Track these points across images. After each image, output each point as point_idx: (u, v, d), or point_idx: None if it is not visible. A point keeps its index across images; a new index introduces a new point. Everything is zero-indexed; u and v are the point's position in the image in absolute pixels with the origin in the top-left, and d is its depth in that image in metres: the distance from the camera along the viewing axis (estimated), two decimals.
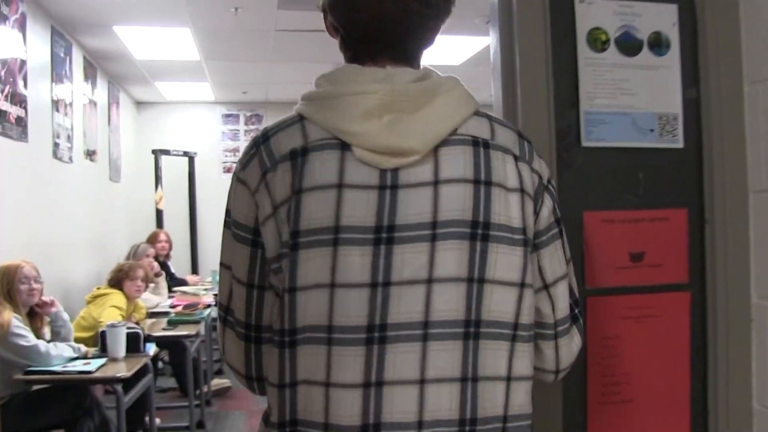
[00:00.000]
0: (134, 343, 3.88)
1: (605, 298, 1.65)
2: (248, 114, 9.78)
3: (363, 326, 1.05)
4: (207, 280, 7.57)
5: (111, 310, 4.55)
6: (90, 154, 6.78)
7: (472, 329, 1.08)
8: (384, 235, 1.06)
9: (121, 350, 3.81)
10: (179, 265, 8.32)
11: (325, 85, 1.13)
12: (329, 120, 1.09)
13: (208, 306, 5.84)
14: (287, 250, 1.07)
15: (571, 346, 1.23)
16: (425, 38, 1.19)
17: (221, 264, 1.20)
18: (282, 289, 1.09)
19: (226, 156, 9.67)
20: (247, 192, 1.13)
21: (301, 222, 1.07)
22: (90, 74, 6.90)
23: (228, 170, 9.31)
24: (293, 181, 1.08)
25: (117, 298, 4.78)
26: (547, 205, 1.17)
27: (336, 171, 1.07)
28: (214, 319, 5.71)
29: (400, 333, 1.06)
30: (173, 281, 7.06)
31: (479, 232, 1.08)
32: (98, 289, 4.98)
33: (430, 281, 1.06)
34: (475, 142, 1.11)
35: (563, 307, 1.20)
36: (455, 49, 7.16)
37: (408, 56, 1.18)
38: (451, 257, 1.07)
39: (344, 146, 1.08)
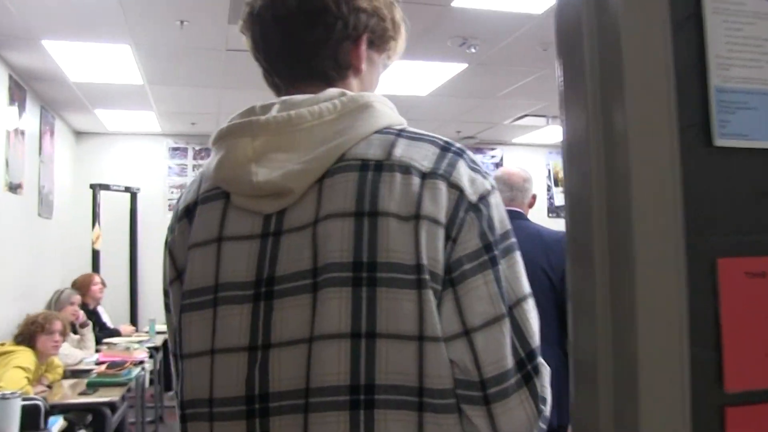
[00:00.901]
0: (32, 419, 3.09)
1: (759, 408, 0.94)
2: (197, 147, 9.08)
3: (242, 397, 0.92)
4: (144, 330, 6.74)
5: (14, 373, 3.76)
6: (14, 188, 5.98)
7: (362, 396, 0.88)
8: (263, 290, 0.94)
9: (12, 428, 3.00)
10: (116, 313, 7.54)
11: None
12: (212, 168, 1.01)
13: (141, 363, 5.02)
14: (176, 309, 1.02)
15: (513, 416, 0.92)
16: (337, 56, 1.07)
17: None
18: (178, 349, 1.02)
19: (173, 192, 8.92)
20: (167, 252, 1.08)
21: (186, 283, 0.99)
22: (17, 97, 6.14)
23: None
24: (180, 238, 1.04)
25: (24, 357, 3.97)
26: (473, 227, 0.94)
27: (218, 224, 0.99)
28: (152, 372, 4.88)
29: (282, 404, 0.91)
30: (103, 332, 6.23)
31: (364, 275, 0.90)
32: (2, 345, 4.14)
33: (311, 340, 0.90)
34: (363, 167, 0.94)
35: (494, 359, 0.91)
36: (423, 77, 6.58)
37: (321, 78, 1.06)
38: (333, 309, 0.90)
39: (227, 195, 1.01)
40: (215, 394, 0.94)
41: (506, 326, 0.93)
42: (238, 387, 0.93)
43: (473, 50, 5.47)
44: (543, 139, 10.00)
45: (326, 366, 0.89)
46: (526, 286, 0.98)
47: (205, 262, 0.98)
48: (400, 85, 6.85)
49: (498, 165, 10.21)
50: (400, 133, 0.99)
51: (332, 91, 1.01)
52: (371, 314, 0.89)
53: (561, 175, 10.55)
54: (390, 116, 1.02)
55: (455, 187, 0.94)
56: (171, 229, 1.08)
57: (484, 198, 0.97)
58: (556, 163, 10.54)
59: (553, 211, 10.30)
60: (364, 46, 1.10)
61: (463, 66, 6.13)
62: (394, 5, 1.14)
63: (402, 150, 0.96)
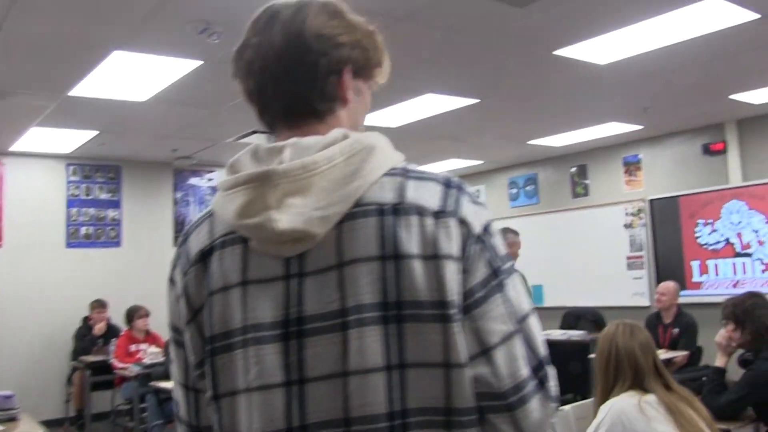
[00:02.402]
0: None
1: None
2: None
3: (282, 430, 1.01)
4: None
5: None
6: None
7: (397, 421, 0.98)
8: (293, 329, 1.02)
9: None
10: None
11: (228, 173, 1.09)
12: (227, 214, 1.06)
13: None
14: (207, 357, 1.07)
15: (533, 418, 1.02)
16: (327, 89, 1.12)
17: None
18: (209, 396, 1.08)
19: None
20: (174, 294, 1.15)
21: (214, 326, 1.06)
22: None
23: None
24: (205, 283, 1.08)
25: None
26: (481, 257, 1.04)
27: (239, 268, 1.05)
28: None
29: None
30: None
31: (391, 313, 0.99)
32: None
33: (345, 374, 0.99)
34: (380, 211, 1.02)
35: (512, 372, 1.02)
36: (144, 77, 5.50)
37: (315, 115, 1.12)
38: (366, 346, 0.98)
39: (246, 240, 1.06)
40: (255, 431, 1.01)
41: (519, 341, 1.03)
42: (278, 421, 1.00)
43: (215, 40, 4.52)
44: None
45: (366, 397, 0.98)
46: (528, 303, 1.07)
47: (231, 306, 1.04)
48: (113, 88, 5.67)
49: (215, 189, 9.22)
50: (406, 174, 1.06)
51: (336, 134, 1.05)
52: (402, 348, 0.99)
53: None
54: (392, 156, 1.08)
55: (464, 223, 1.04)
56: (184, 272, 1.12)
57: (486, 228, 1.06)
58: None
59: None
60: (348, 78, 1.15)
61: (197, 63, 5.16)
62: (375, 33, 1.19)
63: (413, 192, 1.04)
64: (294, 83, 1.11)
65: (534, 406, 1.02)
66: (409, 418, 0.99)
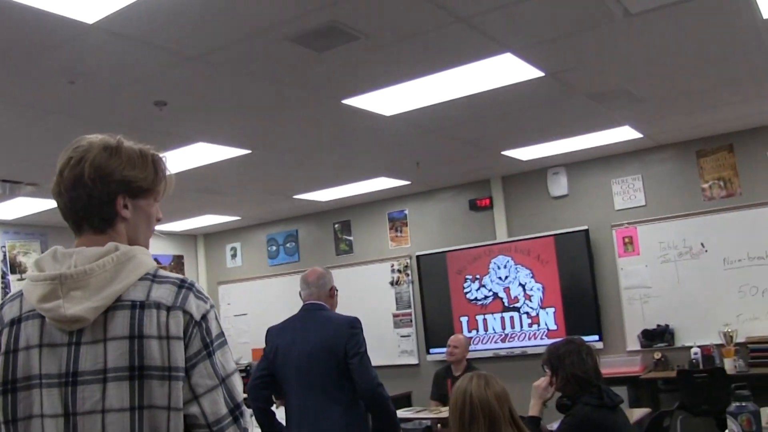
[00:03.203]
0: None
1: None
2: None
3: None
4: None
5: None
6: None
7: None
8: (70, 379, 1.47)
9: None
10: None
11: (32, 269, 1.55)
12: (32, 298, 1.51)
13: None
14: (9, 392, 1.51)
15: None
16: (106, 214, 1.56)
17: None
18: (3, 420, 1.51)
19: None
20: None
21: (17, 371, 1.51)
22: None
23: None
24: (8, 341, 1.53)
25: None
26: (197, 336, 1.52)
27: (38, 335, 1.51)
28: None
29: None
30: None
31: (136, 373, 1.46)
32: None
33: (103, 411, 1.46)
34: (133, 306, 1.49)
35: (214, 411, 1.51)
36: None
37: (97, 230, 1.57)
38: (118, 392, 1.46)
39: (42, 316, 1.50)
40: None
41: (220, 391, 1.53)
42: None
43: None
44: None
45: (118, 428, 1.45)
46: (232, 365, 1.58)
47: (32, 359, 1.50)
48: None
49: None
50: (153, 279, 1.54)
51: (110, 247, 1.52)
52: (141, 396, 1.46)
53: (19, 258, 8.50)
54: (147, 264, 1.55)
55: (187, 313, 1.52)
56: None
57: (204, 316, 1.54)
58: (13, 244, 8.44)
59: None
60: (121, 204, 1.57)
61: None
62: (156, 160, 1.65)
63: (155, 292, 1.52)
64: (78, 210, 1.57)
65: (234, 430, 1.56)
66: None
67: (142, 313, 1.48)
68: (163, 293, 1.50)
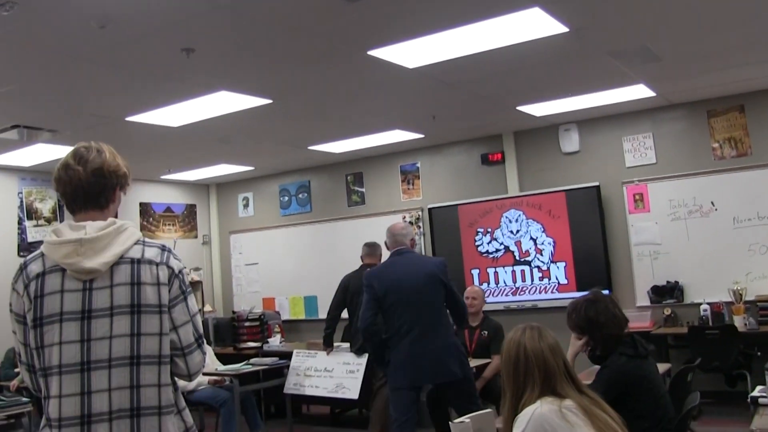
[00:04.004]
0: None
1: None
2: None
3: (77, 363, 2.01)
4: None
5: None
6: None
7: (135, 360, 2.04)
8: (86, 315, 2.03)
9: None
10: None
11: (51, 236, 2.08)
12: (55, 256, 2.05)
13: None
14: (38, 326, 2.04)
15: (194, 359, 2.17)
16: (108, 197, 2.18)
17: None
18: (34, 347, 2.06)
19: None
20: (17, 295, 2.11)
21: (44, 311, 2.04)
22: None
23: None
24: (36, 289, 2.05)
25: None
26: (177, 283, 2.15)
27: (60, 283, 2.04)
28: None
29: (99, 365, 2.01)
30: None
31: (135, 309, 2.05)
32: None
33: (111, 337, 2.02)
34: (132, 261, 2.09)
35: (187, 338, 2.14)
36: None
37: (100, 208, 2.17)
38: (122, 324, 2.03)
39: (64, 270, 2.05)
40: (63, 362, 2.05)
41: (190, 325, 2.16)
42: (76, 357, 2.03)
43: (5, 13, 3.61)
44: (15, 161, 7.91)
45: (118, 347, 2.03)
46: (195, 308, 2.20)
47: (55, 301, 2.04)
48: None
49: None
50: (144, 244, 2.14)
51: (110, 221, 2.12)
52: (139, 326, 2.05)
53: (36, 204, 8.58)
54: (137, 233, 2.16)
55: (170, 268, 2.14)
56: (26, 285, 2.09)
57: (180, 271, 2.18)
58: (30, 190, 8.52)
59: (25, 249, 8.25)
60: (118, 191, 2.23)
61: None
62: (128, 167, 2.25)
63: (147, 253, 2.12)
64: (94, 195, 2.16)
65: (195, 354, 2.17)
66: (141, 359, 2.05)
67: (139, 267, 2.08)
68: (152, 253, 2.13)
